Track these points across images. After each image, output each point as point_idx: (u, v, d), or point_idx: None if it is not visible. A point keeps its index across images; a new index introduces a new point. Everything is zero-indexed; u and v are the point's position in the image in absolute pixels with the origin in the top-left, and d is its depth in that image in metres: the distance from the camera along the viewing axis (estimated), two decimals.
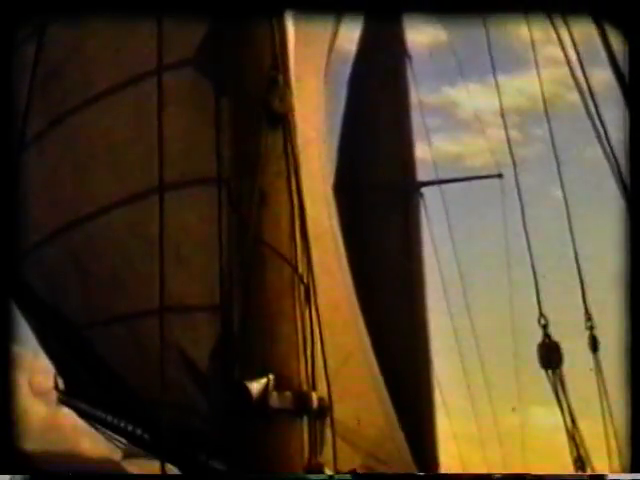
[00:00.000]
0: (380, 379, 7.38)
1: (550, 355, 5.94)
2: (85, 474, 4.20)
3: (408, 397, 10.27)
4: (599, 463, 5.94)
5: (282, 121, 4.29)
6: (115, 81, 5.38)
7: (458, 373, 14.61)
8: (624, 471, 6.11)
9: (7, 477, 3.98)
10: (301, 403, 4.06)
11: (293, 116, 4.41)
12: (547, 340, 6.07)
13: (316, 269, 4.37)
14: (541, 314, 6.13)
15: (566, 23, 4.98)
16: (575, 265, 6.65)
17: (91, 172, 5.50)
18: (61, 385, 6.35)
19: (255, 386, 3.94)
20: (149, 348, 4.67)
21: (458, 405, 14.77)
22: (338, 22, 7.08)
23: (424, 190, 13.70)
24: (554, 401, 5.95)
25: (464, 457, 14.44)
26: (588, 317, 6.44)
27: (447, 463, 13.26)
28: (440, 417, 13.36)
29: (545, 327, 6.12)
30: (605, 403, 6.32)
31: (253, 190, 4.22)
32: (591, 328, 6.45)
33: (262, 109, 4.29)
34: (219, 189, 4.33)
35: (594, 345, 6.45)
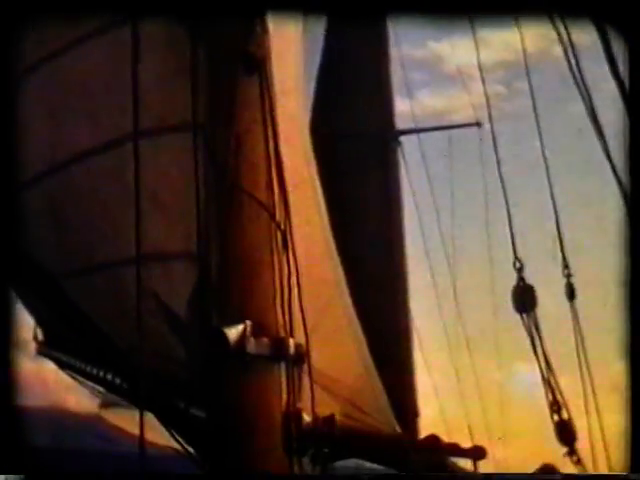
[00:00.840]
0: (359, 331, 7.40)
1: (524, 298, 5.97)
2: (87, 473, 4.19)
3: (388, 350, 10.33)
4: (576, 412, 5.98)
5: (259, 67, 4.26)
6: (89, 28, 5.31)
7: (437, 326, 14.72)
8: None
9: (2, 477, 3.97)
10: (278, 349, 4.08)
11: (270, 62, 4.38)
12: (521, 283, 6.09)
13: (296, 219, 4.36)
14: (516, 257, 6.15)
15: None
16: (553, 215, 6.68)
17: (67, 119, 5.45)
18: (40, 336, 6.34)
19: (232, 332, 3.94)
20: (127, 296, 4.66)
21: (437, 358, 14.89)
22: None
23: (403, 140, 13.72)
24: (532, 355, 5.98)
25: (444, 410, 14.59)
26: (565, 265, 6.46)
27: (427, 415, 13.39)
28: (419, 370, 13.49)
29: (520, 270, 6.14)
30: (582, 352, 6.37)
31: (229, 137, 4.21)
32: (568, 276, 6.48)
33: (239, 55, 4.26)
34: (194, 136, 4.30)
35: (571, 293, 6.48)
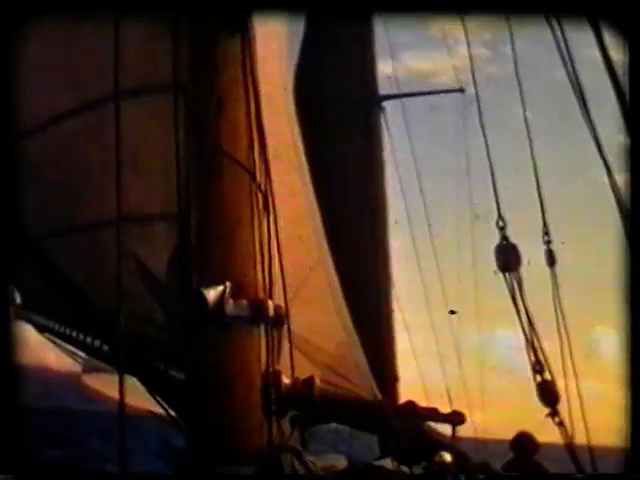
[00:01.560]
0: (340, 294, 7.41)
1: (507, 257, 5.95)
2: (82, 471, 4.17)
3: (368, 313, 10.36)
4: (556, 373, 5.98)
5: (240, 27, 4.23)
6: None
7: (417, 288, 14.75)
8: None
9: None
10: (257, 311, 4.07)
11: (252, 23, 4.34)
12: (504, 242, 6.07)
13: (278, 183, 4.35)
14: (499, 216, 6.13)
15: None
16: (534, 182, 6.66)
17: (48, 80, 5.41)
18: (18, 299, 6.31)
19: (212, 293, 3.94)
20: (107, 258, 4.63)
21: (418, 322, 14.93)
22: None
23: (386, 105, 13.69)
24: (512, 319, 5.99)
25: (423, 373, 14.65)
26: (546, 231, 6.46)
27: (406, 380, 13.43)
28: (399, 333, 13.51)
29: (502, 229, 6.12)
30: (561, 317, 6.39)
31: (210, 98, 4.18)
32: (548, 242, 6.48)
33: (221, 14, 4.22)
34: (175, 96, 4.26)
35: (551, 260, 6.48)
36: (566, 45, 5.07)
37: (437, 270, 14.99)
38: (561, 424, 5.65)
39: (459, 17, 6.12)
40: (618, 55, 4.40)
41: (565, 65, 5.08)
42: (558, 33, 5.06)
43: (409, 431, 10.06)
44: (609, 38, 4.38)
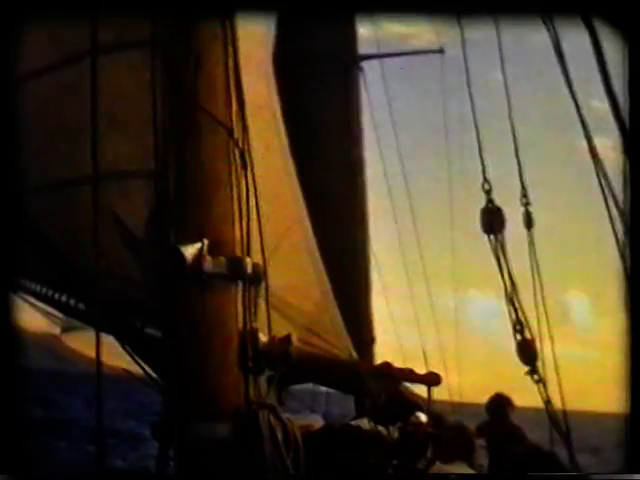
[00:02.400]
0: (317, 256, 7.43)
1: (492, 220, 6.00)
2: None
3: (345, 276, 10.37)
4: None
5: None
6: None
7: (395, 253, 14.79)
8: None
9: None
10: (235, 268, 4.07)
11: None
12: (490, 205, 6.11)
13: (255, 142, 4.32)
14: (485, 179, 6.16)
15: None
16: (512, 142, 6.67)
17: (25, 33, 5.34)
18: None
19: (189, 250, 3.93)
20: (83, 215, 4.61)
21: (394, 285, 14.99)
22: None
23: (364, 65, 13.65)
24: (489, 284, 6.04)
25: (400, 336, 14.74)
26: (524, 193, 6.49)
27: (383, 342, 13.51)
28: (376, 297, 13.57)
29: (488, 192, 6.15)
30: (537, 279, 6.43)
31: (188, 53, 4.15)
32: (526, 204, 6.52)
33: None
34: (152, 52, 4.22)
35: (528, 222, 6.52)
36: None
37: (415, 233, 15.05)
38: (539, 382, 5.73)
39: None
40: (618, 56, 4.41)
41: (548, 29, 5.07)
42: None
43: (385, 391, 10.15)
44: (609, 38, 4.38)
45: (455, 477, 3.38)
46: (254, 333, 4.09)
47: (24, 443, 4.06)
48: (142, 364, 4.95)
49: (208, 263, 3.99)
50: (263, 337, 4.14)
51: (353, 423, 9.89)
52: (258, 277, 4.15)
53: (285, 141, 6.88)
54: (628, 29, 4.31)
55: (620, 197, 4.88)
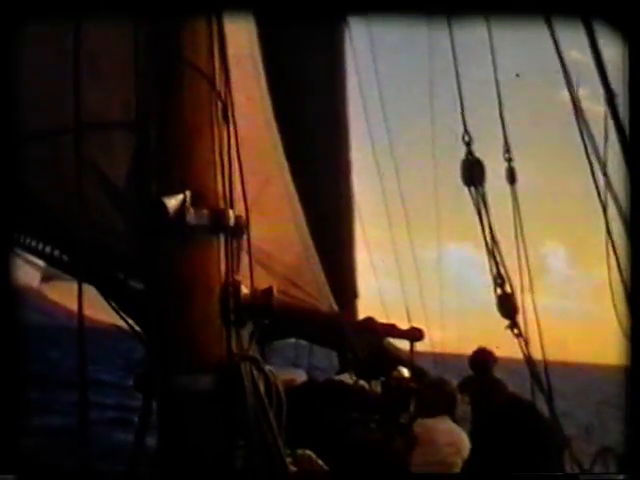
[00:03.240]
0: (299, 208, 7.42)
1: (473, 172, 5.99)
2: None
3: (327, 228, 10.36)
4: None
5: None
6: None
7: (378, 204, 14.78)
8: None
9: None
10: (218, 220, 4.06)
11: None
12: (470, 157, 6.10)
13: (236, 93, 4.30)
14: (465, 131, 6.14)
15: None
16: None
17: None
18: None
19: (172, 202, 3.91)
20: (65, 167, 4.59)
21: (377, 236, 15.00)
22: None
23: (350, 18, 13.52)
24: (472, 238, 6.05)
25: (383, 291, 14.77)
26: (507, 149, 6.49)
27: (366, 297, 13.52)
28: (359, 249, 13.55)
29: (468, 144, 6.13)
30: (520, 233, 6.45)
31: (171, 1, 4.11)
32: (509, 160, 6.52)
33: None
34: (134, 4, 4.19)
35: (511, 177, 6.53)
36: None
37: (398, 185, 15.03)
38: (520, 336, 5.77)
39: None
40: (617, 56, 4.40)
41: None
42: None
43: (369, 346, 10.19)
44: (609, 38, 4.37)
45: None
46: (236, 285, 4.09)
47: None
48: (125, 316, 4.95)
49: (190, 215, 3.98)
50: (245, 289, 4.14)
51: (336, 378, 9.95)
52: (240, 229, 4.14)
53: (266, 92, 6.84)
54: (628, 29, 4.31)
55: (601, 148, 4.90)
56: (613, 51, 4.37)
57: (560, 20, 4.96)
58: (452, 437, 8.92)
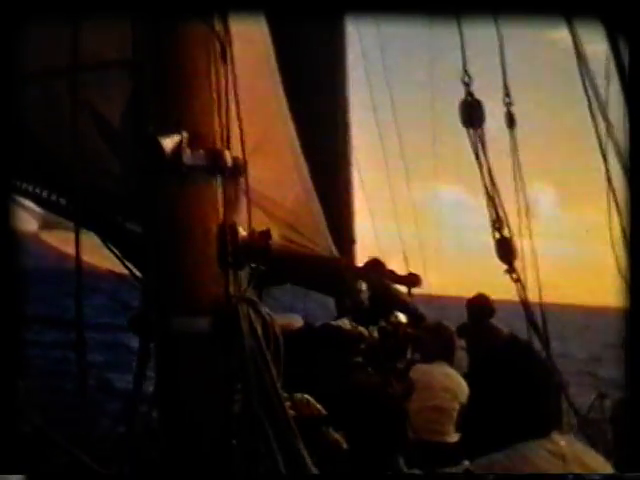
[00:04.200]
0: (298, 151, 7.37)
1: (472, 113, 5.93)
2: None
3: (326, 174, 10.32)
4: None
5: None
6: None
7: (376, 150, 14.74)
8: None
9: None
10: (215, 161, 4.02)
11: None
12: (469, 98, 6.04)
13: (236, 33, 4.24)
14: (465, 72, 6.07)
15: None
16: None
17: None
18: None
19: (168, 142, 3.87)
20: (61, 108, 4.55)
21: (374, 180, 14.98)
22: None
23: None
24: (467, 182, 6.03)
25: (379, 232, 14.81)
26: (506, 93, 6.44)
27: (363, 239, 13.55)
28: (357, 194, 13.54)
29: (467, 85, 6.07)
30: (519, 179, 6.43)
31: None
32: (508, 104, 6.47)
33: None
34: None
35: (510, 121, 6.49)
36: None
37: (395, 128, 14.99)
38: (518, 280, 5.77)
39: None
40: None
41: None
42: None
43: (373, 287, 10.20)
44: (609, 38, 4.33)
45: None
46: (234, 227, 4.07)
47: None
48: (123, 260, 4.94)
49: (188, 155, 3.94)
50: (243, 231, 4.11)
51: (333, 323, 9.97)
52: (238, 170, 4.11)
53: (268, 38, 6.76)
54: (628, 29, 4.26)
55: (602, 90, 4.86)
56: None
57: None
58: (449, 382, 8.98)
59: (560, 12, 5.01)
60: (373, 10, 5.52)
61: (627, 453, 4.33)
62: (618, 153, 5.14)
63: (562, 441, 3.54)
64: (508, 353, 3.86)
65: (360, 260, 12.43)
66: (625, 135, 4.67)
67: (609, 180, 5.14)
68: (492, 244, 5.80)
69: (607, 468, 3.65)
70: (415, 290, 11.29)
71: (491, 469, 3.44)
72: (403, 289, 11.63)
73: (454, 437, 8.60)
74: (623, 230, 5.10)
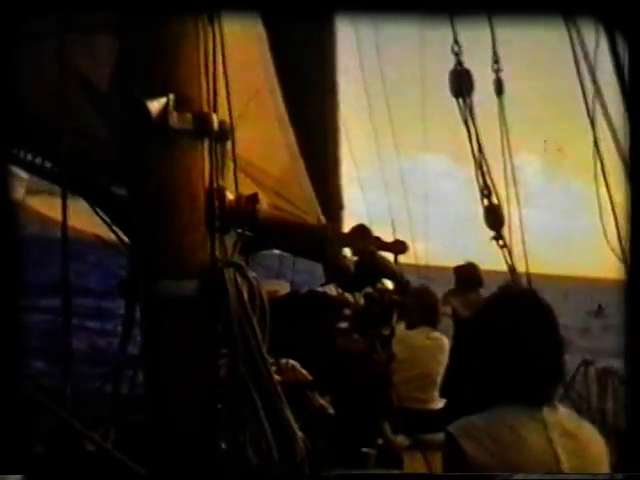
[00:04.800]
0: (286, 119, 7.35)
1: (461, 82, 5.91)
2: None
3: (314, 142, 10.31)
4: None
5: None
6: None
7: (365, 117, 14.70)
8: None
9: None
10: (202, 124, 4.01)
11: None
12: (459, 67, 6.02)
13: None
14: (455, 41, 6.04)
15: None
16: None
17: None
18: None
19: (155, 105, 3.85)
20: (48, 71, 4.51)
21: (363, 151, 14.97)
22: None
23: None
24: (457, 152, 6.01)
25: (368, 202, 14.82)
26: (495, 60, 6.41)
27: (351, 207, 13.57)
28: (345, 162, 13.54)
29: (457, 54, 6.05)
30: (507, 145, 6.44)
31: None
32: (497, 71, 6.45)
33: None
34: None
35: (499, 88, 6.48)
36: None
37: (384, 97, 14.96)
38: (504, 247, 5.79)
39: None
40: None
41: None
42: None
43: (359, 254, 10.23)
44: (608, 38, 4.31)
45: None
46: (221, 191, 4.06)
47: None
48: (110, 225, 4.93)
49: (174, 119, 3.92)
50: (230, 195, 4.11)
51: (319, 289, 10.01)
52: (225, 134, 4.10)
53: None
54: (628, 29, 4.25)
55: (591, 54, 4.86)
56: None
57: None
58: (433, 348, 9.05)
59: None
60: None
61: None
62: (606, 115, 5.14)
63: (544, 406, 3.55)
64: (490, 316, 3.84)
65: (348, 227, 12.46)
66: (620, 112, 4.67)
67: (596, 143, 5.15)
68: (480, 214, 5.81)
69: (592, 434, 3.67)
70: (403, 259, 11.33)
71: (468, 432, 3.46)
72: (390, 257, 11.68)
73: (439, 404, 8.67)
74: (611, 199, 5.11)
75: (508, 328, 3.60)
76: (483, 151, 5.74)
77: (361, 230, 11.10)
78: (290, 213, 7.34)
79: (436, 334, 9.24)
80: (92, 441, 3.73)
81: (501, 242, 5.81)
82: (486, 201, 5.77)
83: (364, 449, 7.60)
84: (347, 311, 8.94)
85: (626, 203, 4.54)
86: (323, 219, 8.33)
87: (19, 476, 3.45)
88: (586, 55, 4.98)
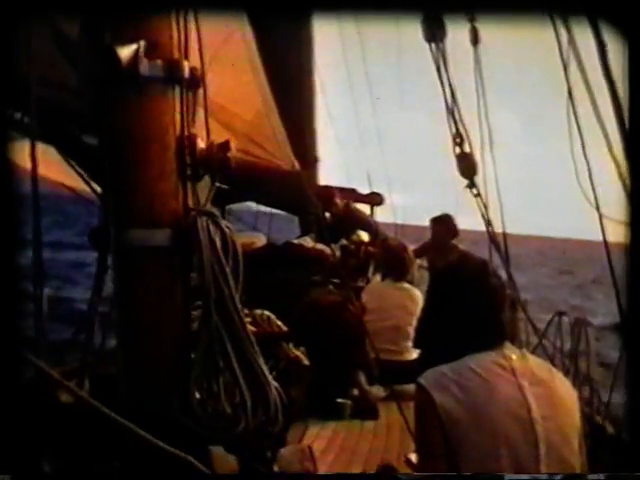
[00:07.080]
0: (259, 63, 7.26)
1: (434, 27, 5.83)
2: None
3: (289, 91, 10.23)
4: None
5: None
6: None
7: (341, 74, 14.64)
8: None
9: None
10: (172, 71, 3.95)
11: None
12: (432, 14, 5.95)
13: None
14: None
15: None
16: None
17: None
18: None
19: (125, 52, 3.79)
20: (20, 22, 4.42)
21: (339, 106, 14.91)
22: None
23: None
24: (436, 105, 5.95)
25: (345, 158, 14.80)
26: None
27: (328, 164, 13.54)
28: (321, 119, 13.48)
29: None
30: (482, 94, 6.40)
31: None
32: (472, 20, 6.39)
33: None
34: None
35: (474, 38, 6.41)
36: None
37: (361, 52, 14.87)
38: (478, 195, 5.77)
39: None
40: (617, 55, 4.30)
41: None
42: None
43: (335, 208, 10.22)
44: (609, 38, 4.27)
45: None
46: (192, 139, 4.02)
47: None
48: (81, 173, 4.87)
49: (145, 65, 3.86)
50: (201, 143, 4.06)
51: (295, 241, 10.01)
52: (196, 81, 4.04)
53: None
54: (628, 29, 4.20)
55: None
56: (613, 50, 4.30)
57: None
58: (404, 299, 9.07)
59: None
60: None
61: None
62: (582, 71, 5.10)
63: (513, 355, 3.57)
64: (461, 265, 3.87)
65: (325, 180, 12.44)
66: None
67: (570, 94, 5.12)
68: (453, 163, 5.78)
69: (562, 383, 3.69)
70: (380, 216, 11.34)
71: (438, 381, 3.48)
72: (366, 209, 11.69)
73: (413, 354, 8.70)
74: (586, 157, 5.09)
75: (471, 285, 3.64)
76: (455, 97, 5.68)
77: (327, 189, 11.02)
78: (263, 159, 7.30)
79: (405, 285, 9.26)
80: (68, 389, 3.70)
81: (475, 190, 5.78)
82: (458, 149, 5.73)
83: (340, 400, 7.63)
84: (323, 263, 8.96)
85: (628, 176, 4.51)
86: (297, 164, 8.26)
87: (7, 476, 3.43)
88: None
